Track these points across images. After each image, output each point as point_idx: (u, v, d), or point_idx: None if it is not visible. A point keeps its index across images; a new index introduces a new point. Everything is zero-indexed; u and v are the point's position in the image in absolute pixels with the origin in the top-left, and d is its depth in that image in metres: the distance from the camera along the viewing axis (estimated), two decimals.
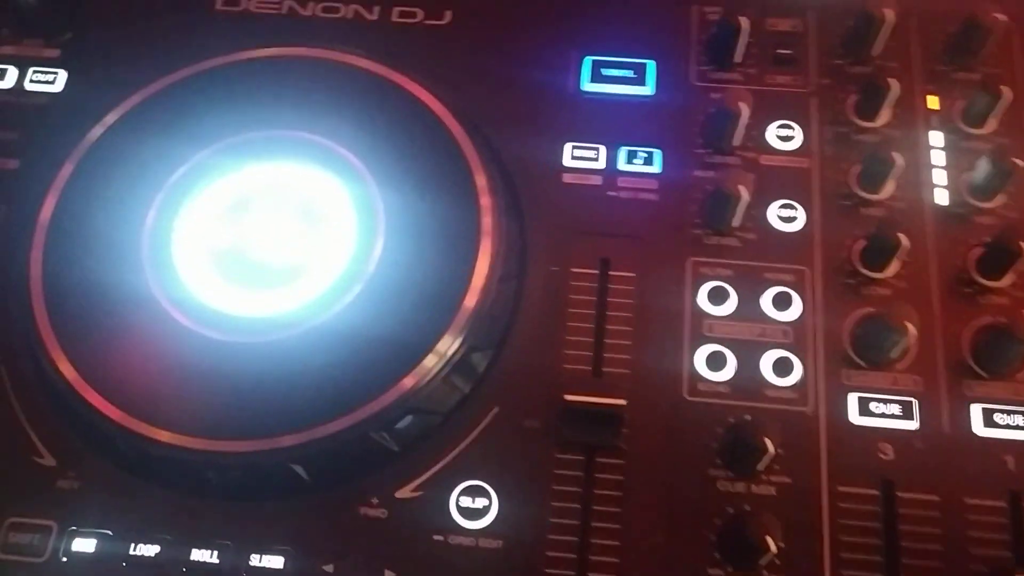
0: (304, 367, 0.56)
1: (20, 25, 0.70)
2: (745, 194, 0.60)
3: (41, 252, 0.60)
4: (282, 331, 0.57)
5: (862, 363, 0.59)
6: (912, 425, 0.57)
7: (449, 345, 0.56)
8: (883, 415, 0.57)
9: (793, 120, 0.66)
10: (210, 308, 0.59)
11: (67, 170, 0.63)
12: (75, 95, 0.68)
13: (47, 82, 0.69)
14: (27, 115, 0.68)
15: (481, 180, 0.61)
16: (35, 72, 0.69)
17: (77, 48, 0.70)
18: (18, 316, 0.59)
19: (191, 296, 0.59)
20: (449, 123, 0.62)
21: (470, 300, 0.58)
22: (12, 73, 0.69)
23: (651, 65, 0.68)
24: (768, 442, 0.53)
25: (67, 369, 0.57)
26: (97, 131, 0.64)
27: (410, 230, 0.60)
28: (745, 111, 0.62)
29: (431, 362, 0.56)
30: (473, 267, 0.58)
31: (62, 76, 0.69)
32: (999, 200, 0.62)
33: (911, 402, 0.57)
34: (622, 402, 0.55)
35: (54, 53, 0.70)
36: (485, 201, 0.60)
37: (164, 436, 0.55)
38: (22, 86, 0.69)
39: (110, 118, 0.64)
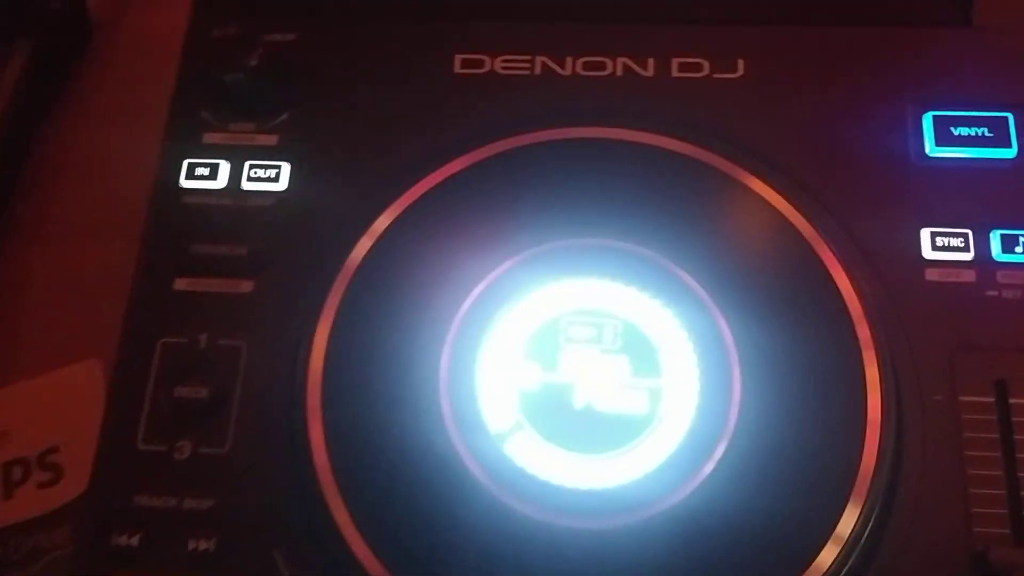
0: (677, 558, 0.44)
1: (225, 104, 0.57)
2: None
3: (319, 413, 0.48)
4: (635, 512, 0.46)
5: None
6: None
7: (860, 506, 0.44)
8: None
9: None
10: (542, 482, 0.47)
11: (334, 299, 0.50)
12: (303, 192, 0.55)
13: (269, 179, 0.56)
14: (251, 222, 0.55)
15: (855, 304, 0.48)
16: (253, 168, 0.56)
17: (298, 131, 0.57)
18: (299, 485, 0.47)
19: (519, 468, 0.47)
20: (810, 237, 0.49)
21: (867, 462, 0.45)
22: (224, 168, 0.56)
23: (1010, 119, 0.55)
24: None
25: (373, 565, 0.45)
26: (365, 244, 0.52)
27: (772, 372, 0.48)
28: None
29: (845, 528, 0.44)
30: (864, 417, 0.46)
31: (285, 169, 0.56)
32: None
33: None
34: None
35: (271, 140, 0.57)
36: (864, 333, 0.48)
37: None
38: (238, 185, 0.56)
39: (379, 225, 0.51)
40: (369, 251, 0.51)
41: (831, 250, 0.50)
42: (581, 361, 0.50)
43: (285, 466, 0.49)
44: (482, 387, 0.49)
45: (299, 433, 0.48)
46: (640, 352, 0.50)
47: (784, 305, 0.50)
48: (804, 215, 0.52)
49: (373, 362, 0.49)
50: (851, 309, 0.49)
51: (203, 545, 0.49)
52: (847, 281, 0.50)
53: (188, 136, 0.58)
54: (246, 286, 0.54)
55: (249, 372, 0.52)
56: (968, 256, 0.53)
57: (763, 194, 0.52)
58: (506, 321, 0.50)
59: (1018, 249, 0.53)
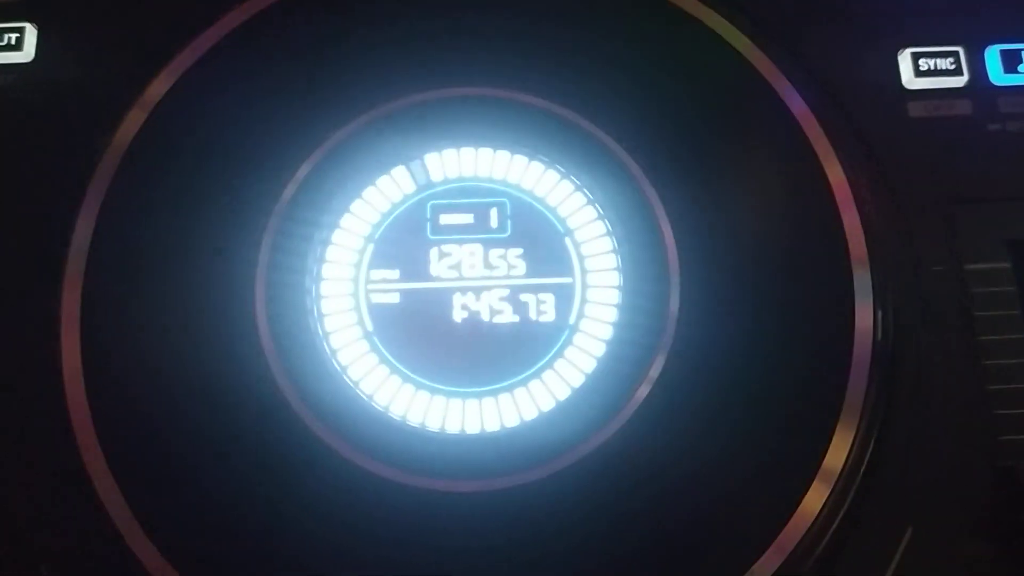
0: (603, 524, 0.33)
1: None
2: None
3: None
4: (543, 465, 0.32)
5: None
6: None
7: (849, 438, 0.33)
8: None
9: None
10: (407, 428, 0.33)
11: (95, 197, 0.36)
12: (55, 62, 0.40)
13: (10, 47, 0.40)
14: None
15: (844, 189, 0.35)
16: None
17: None
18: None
19: (372, 410, 0.33)
20: (767, 73, 0.36)
21: (857, 378, 0.33)
22: None
23: None
24: None
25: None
26: (137, 117, 0.38)
27: (722, 265, 0.35)
28: None
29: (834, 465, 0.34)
30: (852, 306, 0.33)
31: (30, 34, 0.40)
32: None
33: None
34: None
35: None
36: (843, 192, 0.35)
37: None
38: None
39: (153, 93, 0.38)
40: (142, 127, 0.36)
41: (789, 80, 0.37)
42: (456, 258, 0.36)
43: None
44: (319, 303, 0.34)
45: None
46: (538, 241, 0.35)
47: (736, 169, 0.37)
48: (756, 45, 0.38)
49: (152, 286, 0.33)
50: (818, 152, 0.35)
51: None
52: (807, 112, 0.37)
53: None
54: None
55: None
56: (961, 81, 0.40)
57: (695, 14, 0.38)
58: (348, 209, 0.36)
59: (1023, 68, 0.39)
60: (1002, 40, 0.41)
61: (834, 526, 0.34)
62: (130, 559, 0.33)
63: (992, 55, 0.41)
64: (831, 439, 0.34)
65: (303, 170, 0.37)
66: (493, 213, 0.38)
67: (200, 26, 0.39)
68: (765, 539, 0.33)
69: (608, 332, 0.36)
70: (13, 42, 0.42)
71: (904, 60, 0.41)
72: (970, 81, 0.41)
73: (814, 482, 0.34)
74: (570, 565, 0.33)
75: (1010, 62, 0.41)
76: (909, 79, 0.41)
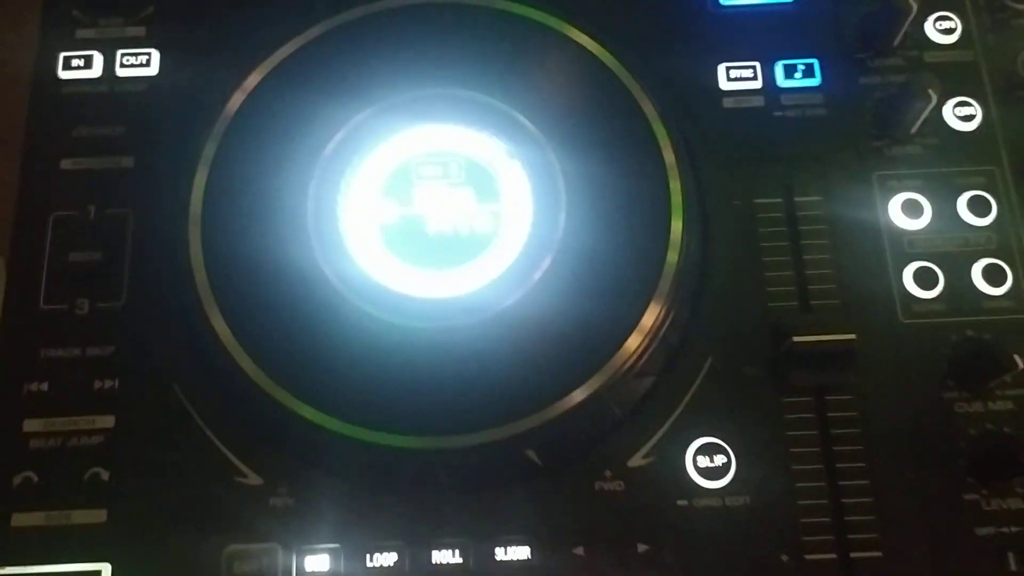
0: (511, 349, 0.53)
1: (92, 5, 0.63)
2: (934, 95, 0.56)
3: (200, 248, 0.55)
4: (478, 314, 0.54)
5: None
6: None
7: (661, 303, 0.53)
8: None
9: (950, 11, 0.62)
10: (395, 292, 0.54)
11: (210, 150, 0.57)
12: (174, 75, 0.62)
13: (140, 64, 0.62)
14: (128, 106, 0.61)
15: (663, 135, 0.57)
16: (125, 56, 0.62)
17: (163, 21, 0.63)
18: (187, 324, 0.54)
19: (377, 283, 0.55)
20: (624, 77, 0.58)
21: (672, 257, 0.54)
22: (98, 60, 0.62)
23: None
24: (1019, 360, 0.51)
25: (255, 372, 0.53)
26: (238, 99, 0.58)
27: (593, 194, 0.56)
28: (914, 5, 0.58)
29: (651, 318, 0.53)
30: (668, 224, 0.55)
31: (155, 56, 0.62)
32: None
33: None
34: (853, 337, 0.53)
35: (139, 32, 0.63)
36: (670, 157, 0.56)
37: (383, 439, 0.51)
38: (113, 73, 0.62)
39: (251, 82, 0.58)
40: (241, 105, 0.58)
41: (640, 87, 0.58)
42: (432, 195, 0.57)
43: (175, 310, 0.56)
44: (344, 218, 0.56)
45: (184, 273, 0.54)
46: (482, 183, 0.57)
47: (602, 135, 0.58)
48: (617, 58, 0.59)
49: (246, 201, 0.55)
50: (658, 134, 0.57)
51: (108, 384, 0.56)
52: (654, 111, 0.58)
53: (62, 34, 0.63)
54: (127, 162, 0.60)
55: (136, 235, 0.58)
56: (757, 84, 0.61)
57: (581, 42, 0.59)
58: (364, 163, 0.57)
59: (797, 76, 0.61)
60: (785, 58, 0.61)
61: (649, 352, 0.53)
62: (236, 370, 0.53)
63: (778, 67, 0.61)
64: (650, 300, 0.54)
65: (338, 135, 0.59)
66: (454, 166, 0.60)
67: (287, 37, 0.59)
68: (601, 361, 0.52)
69: (524, 237, 0.57)
70: (145, 62, 0.64)
71: (720, 71, 0.61)
72: (763, 85, 0.61)
73: (633, 331, 0.53)
74: (488, 378, 0.52)
75: (790, 72, 0.62)
76: (723, 83, 0.61)
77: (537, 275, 0.55)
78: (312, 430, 0.51)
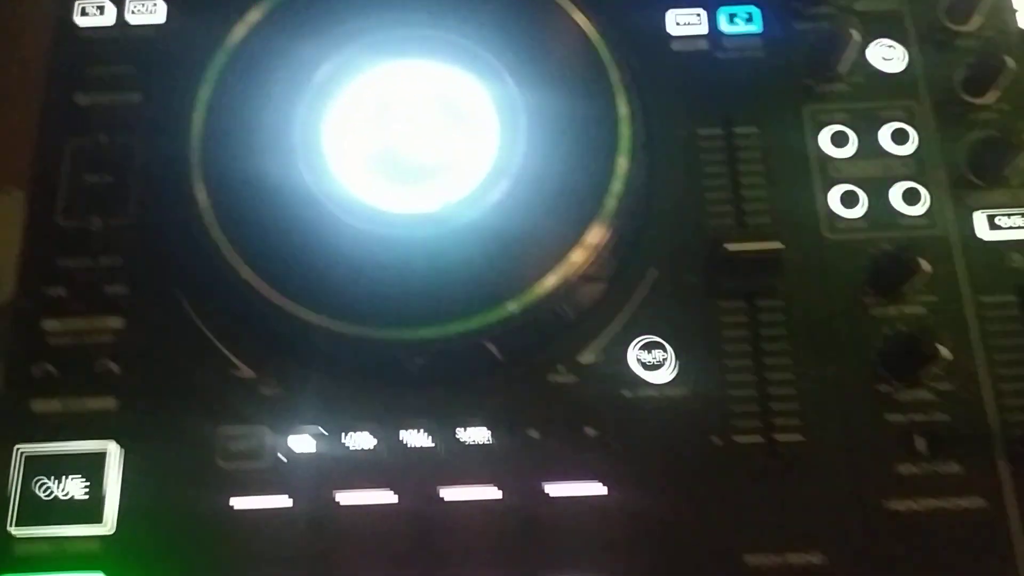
0: (477, 253, 0.60)
1: None
2: (857, 36, 0.63)
3: (201, 170, 0.62)
4: (445, 225, 0.60)
5: (981, 183, 0.63)
6: None
7: (609, 216, 0.60)
8: (1010, 227, 0.62)
9: None
10: (373, 207, 0.61)
11: (212, 74, 0.64)
12: (179, 22, 0.69)
13: (148, 12, 0.69)
14: (137, 49, 0.68)
15: (615, 74, 0.63)
16: (134, 5, 0.69)
17: None
18: (189, 237, 0.61)
19: (356, 198, 0.61)
20: (580, 20, 0.64)
21: (616, 182, 0.61)
22: (110, 8, 0.69)
23: None
24: (923, 263, 0.58)
25: (251, 276, 0.59)
26: (240, 30, 0.65)
27: (551, 127, 0.63)
28: None
29: (596, 235, 0.59)
30: (616, 153, 0.62)
31: (161, 5, 0.69)
32: None
33: None
34: (780, 246, 0.59)
35: None
36: (620, 94, 0.63)
37: (363, 332, 0.58)
38: (124, 20, 0.69)
39: (252, 16, 0.65)
40: (242, 39, 0.65)
41: (597, 32, 0.65)
42: (408, 123, 0.64)
43: (179, 225, 0.63)
44: (328, 142, 0.63)
45: (186, 191, 0.61)
46: (453, 114, 0.65)
47: (560, 75, 0.64)
48: (577, 7, 0.66)
49: (243, 127, 0.62)
50: (610, 74, 0.64)
51: (118, 290, 0.63)
52: (608, 54, 0.65)
53: None
54: (136, 97, 0.67)
55: (143, 160, 0.65)
56: (703, 30, 0.68)
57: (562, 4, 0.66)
58: (348, 92, 0.65)
59: (739, 21, 0.68)
60: (727, 5, 0.68)
61: (592, 265, 0.58)
62: (233, 275, 0.58)
63: (721, 14, 0.67)
64: (594, 220, 0.60)
65: (325, 67, 0.65)
66: (428, 98, 0.66)
67: None
68: (548, 270, 0.58)
69: (489, 163, 0.64)
70: (152, 10, 0.71)
71: (669, 16, 0.68)
72: (708, 30, 0.67)
73: (578, 246, 0.59)
74: (452, 280, 0.58)
75: (732, 19, 0.69)
76: (672, 28, 0.67)
77: (497, 195, 0.61)
78: (297, 324, 0.58)
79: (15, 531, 0.57)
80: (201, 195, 0.61)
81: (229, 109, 0.63)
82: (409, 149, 0.64)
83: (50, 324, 0.62)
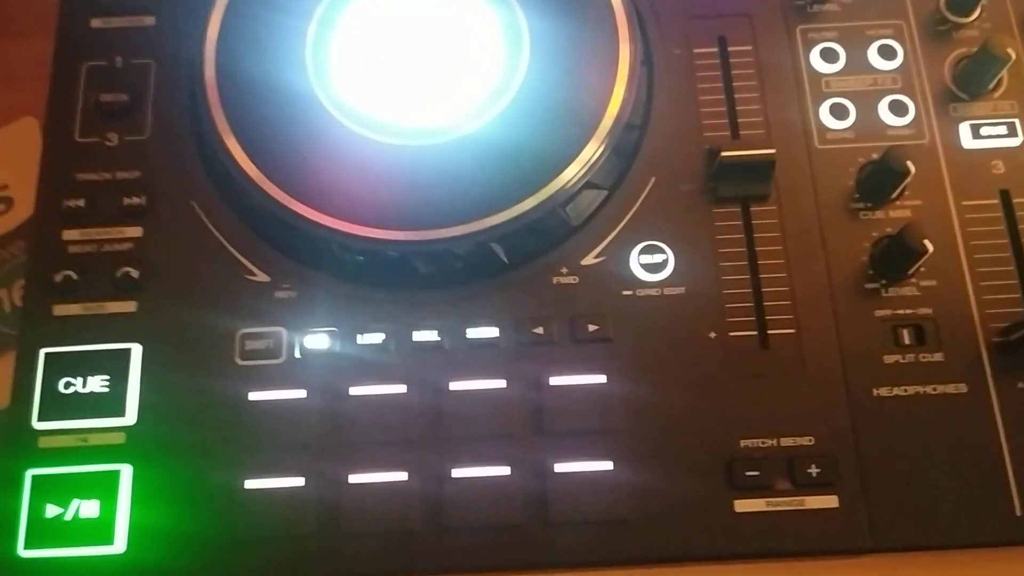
0: (478, 162, 0.62)
1: None
2: None
3: (214, 78, 0.64)
4: (452, 133, 0.63)
5: (965, 96, 0.66)
6: (1016, 141, 0.65)
7: (609, 125, 0.62)
8: (991, 136, 0.65)
9: None
10: (382, 118, 0.63)
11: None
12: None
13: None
14: None
15: (621, 17, 0.65)
16: None
17: None
18: (205, 147, 0.63)
19: (366, 109, 0.63)
20: None
21: (619, 86, 0.63)
22: None
23: None
24: (910, 164, 0.61)
25: (264, 182, 0.61)
26: None
27: (553, 46, 0.65)
28: None
29: (595, 144, 0.62)
30: (616, 70, 0.64)
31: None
32: None
33: (1013, 122, 0.65)
34: (772, 151, 0.62)
35: None
36: (621, 17, 0.65)
37: (374, 233, 0.60)
38: None
39: None
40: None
41: None
42: (417, 39, 0.67)
43: (193, 138, 0.65)
44: (337, 55, 0.65)
45: (201, 101, 0.64)
46: (460, 32, 0.67)
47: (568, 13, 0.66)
48: None
49: (253, 43, 0.65)
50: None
51: (135, 201, 0.65)
52: None
53: None
54: (149, 20, 0.70)
55: (158, 79, 0.68)
56: None
57: None
58: (357, 5, 0.67)
59: None
60: None
61: (590, 173, 0.60)
62: (247, 182, 0.61)
63: None
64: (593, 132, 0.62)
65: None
66: (438, 17, 0.69)
67: None
68: (549, 177, 0.61)
69: (495, 75, 0.66)
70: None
71: None
72: None
73: (577, 157, 0.61)
74: (459, 185, 0.61)
75: None
76: None
77: (501, 107, 0.64)
78: (310, 227, 0.60)
79: (38, 425, 0.59)
80: (215, 108, 0.64)
81: (240, 28, 0.65)
82: (417, 65, 0.66)
83: (70, 233, 0.64)
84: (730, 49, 0.67)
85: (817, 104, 0.66)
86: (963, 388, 0.59)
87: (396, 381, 0.60)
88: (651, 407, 0.59)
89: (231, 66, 0.64)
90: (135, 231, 0.64)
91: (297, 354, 0.61)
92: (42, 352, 0.61)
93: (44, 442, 0.59)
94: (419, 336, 0.61)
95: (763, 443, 0.58)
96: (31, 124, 0.77)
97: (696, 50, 0.68)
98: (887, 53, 0.67)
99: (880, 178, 0.63)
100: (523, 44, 0.65)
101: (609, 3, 0.66)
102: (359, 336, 0.61)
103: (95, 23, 0.69)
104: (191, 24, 0.67)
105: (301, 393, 0.59)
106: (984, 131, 0.65)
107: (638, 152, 0.65)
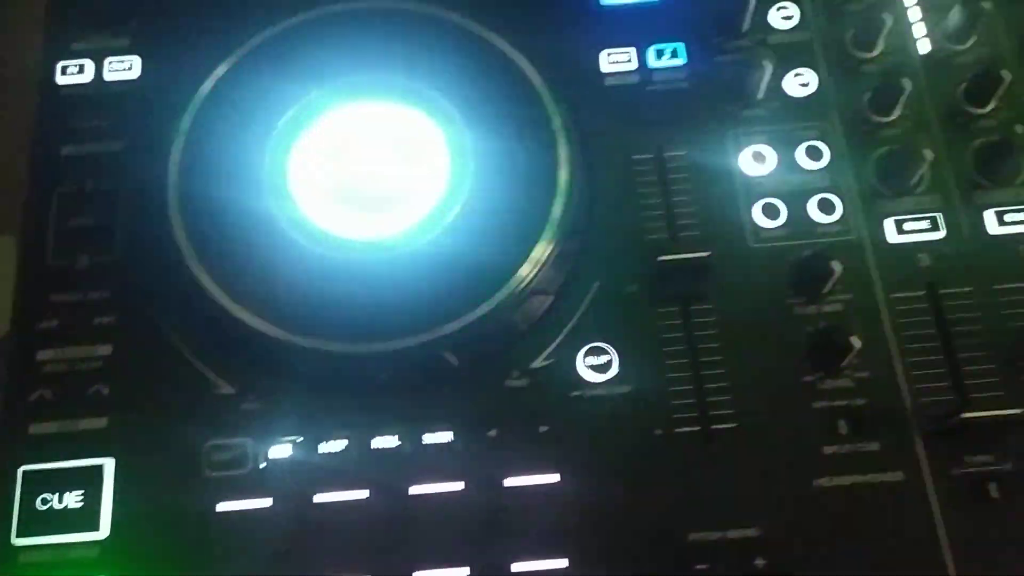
0: (430, 274, 0.66)
1: (85, 18, 0.76)
2: (770, 66, 0.70)
3: (178, 209, 0.68)
4: (404, 248, 0.66)
5: (889, 193, 0.70)
6: (940, 235, 0.69)
7: (552, 235, 0.66)
8: (915, 231, 0.69)
9: (789, 1, 0.76)
10: (338, 236, 0.67)
11: (186, 123, 0.70)
12: (153, 77, 0.75)
13: (124, 70, 0.75)
14: (115, 103, 0.74)
15: (556, 120, 0.70)
16: (111, 63, 0.75)
17: (146, 33, 0.76)
18: (169, 269, 0.67)
19: (322, 228, 0.67)
20: (523, 65, 0.72)
21: (557, 206, 0.68)
22: (90, 66, 0.75)
23: None
24: (835, 264, 0.64)
25: (227, 302, 0.65)
26: (208, 84, 0.71)
27: (497, 158, 0.69)
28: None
29: (539, 252, 0.66)
30: (556, 179, 0.68)
31: (136, 62, 0.76)
32: (972, 41, 0.74)
33: (936, 216, 0.69)
34: (707, 253, 0.66)
35: (124, 42, 0.76)
36: (559, 126, 0.70)
37: (333, 347, 0.63)
38: (102, 77, 0.75)
39: (220, 70, 0.72)
40: (211, 88, 0.71)
41: (536, 72, 0.72)
42: (367, 158, 0.70)
43: (160, 259, 0.69)
44: (293, 178, 0.69)
45: (165, 226, 0.67)
46: (408, 149, 0.71)
47: (504, 111, 0.70)
48: (517, 50, 0.73)
49: (215, 168, 0.69)
50: (549, 109, 0.70)
51: (105, 320, 0.68)
52: (547, 91, 0.71)
53: (59, 47, 0.76)
54: (116, 145, 0.74)
55: (125, 203, 0.72)
56: (633, 66, 0.75)
57: (488, 38, 0.73)
58: (311, 133, 0.71)
59: (666, 57, 0.75)
60: (656, 43, 0.76)
61: (538, 278, 0.65)
62: (211, 302, 0.64)
63: (650, 51, 0.75)
64: (539, 238, 0.67)
65: (290, 111, 0.72)
66: (385, 135, 0.73)
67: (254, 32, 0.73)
68: (498, 284, 0.65)
69: (441, 190, 0.71)
70: (128, 67, 0.78)
71: (603, 56, 0.75)
72: (638, 66, 0.74)
73: (525, 263, 0.65)
74: (413, 297, 0.64)
75: (659, 54, 0.76)
76: (605, 66, 0.74)
77: (450, 219, 0.67)
78: (273, 344, 0.64)
79: (17, 541, 0.62)
80: (179, 231, 0.67)
81: (202, 154, 0.69)
82: (368, 182, 0.70)
83: (44, 354, 0.67)
84: (666, 155, 0.71)
85: (750, 204, 0.70)
86: (899, 476, 0.62)
87: (359, 487, 0.62)
88: (602, 504, 0.62)
89: (193, 192, 0.68)
90: (105, 349, 0.67)
91: (261, 464, 0.63)
92: (20, 471, 0.63)
93: (24, 557, 0.61)
94: (379, 443, 0.64)
95: (710, 535, 0.61)
96: (9, 241, 0.81)
97: (634, 156, 0.71)
98: (814, 153, 0.71)
99: (810, 276, 0.66)
100: (469, 161, 0.69)
101: (551, 125, 0.70)
102: (322, 444, 0.64)
103: (65, 150, 0.73)
104: (156, 150, 0.71)
105: (267, 502, 0.62)
106: (907, 226, 0.69)
107: (582, 256, 0.69)
